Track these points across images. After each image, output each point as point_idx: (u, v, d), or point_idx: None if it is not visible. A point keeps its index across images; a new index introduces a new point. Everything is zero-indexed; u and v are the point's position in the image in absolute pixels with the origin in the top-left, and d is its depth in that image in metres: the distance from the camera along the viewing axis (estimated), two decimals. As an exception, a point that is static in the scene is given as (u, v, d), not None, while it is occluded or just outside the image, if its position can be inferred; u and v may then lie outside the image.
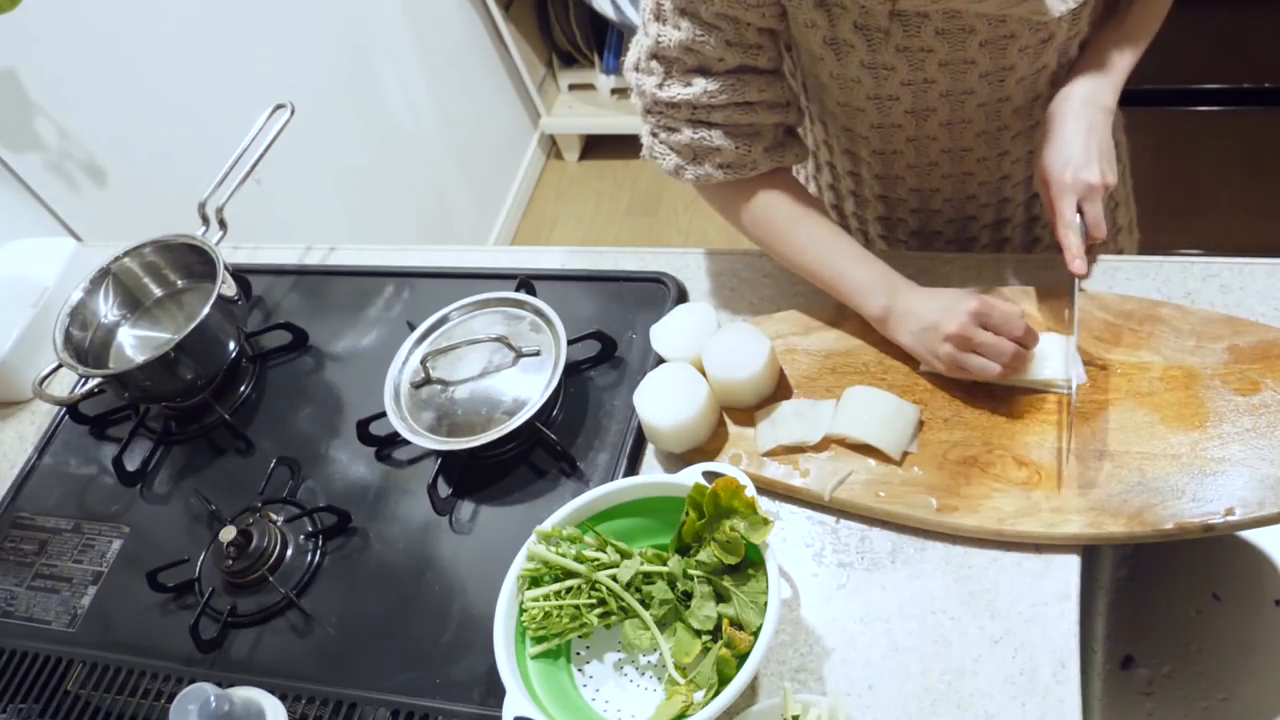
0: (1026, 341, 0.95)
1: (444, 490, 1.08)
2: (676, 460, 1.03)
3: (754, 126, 1.00)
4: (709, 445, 1.02)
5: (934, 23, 0.93)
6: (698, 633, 0.87)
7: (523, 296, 1.15)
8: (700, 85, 0.97)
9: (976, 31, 0.94)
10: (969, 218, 1.18)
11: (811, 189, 1.29)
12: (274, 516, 1.10)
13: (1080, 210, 0.95)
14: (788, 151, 1.04)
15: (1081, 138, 0.95)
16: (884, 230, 1.23)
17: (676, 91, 0.98)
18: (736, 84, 0.97)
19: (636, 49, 1.00)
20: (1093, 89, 0.98)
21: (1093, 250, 1.00)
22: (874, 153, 1.11)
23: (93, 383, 1.25)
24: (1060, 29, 0.96)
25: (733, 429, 1.02)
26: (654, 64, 0.98)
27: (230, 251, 1.42)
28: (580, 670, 0.91)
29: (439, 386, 1.11)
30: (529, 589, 0.89)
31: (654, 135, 1.03)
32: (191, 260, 1.27)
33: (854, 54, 0.97)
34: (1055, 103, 0.99)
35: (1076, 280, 0.96)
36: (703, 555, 0.87)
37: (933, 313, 0.96)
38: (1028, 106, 1.05)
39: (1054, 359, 0.97)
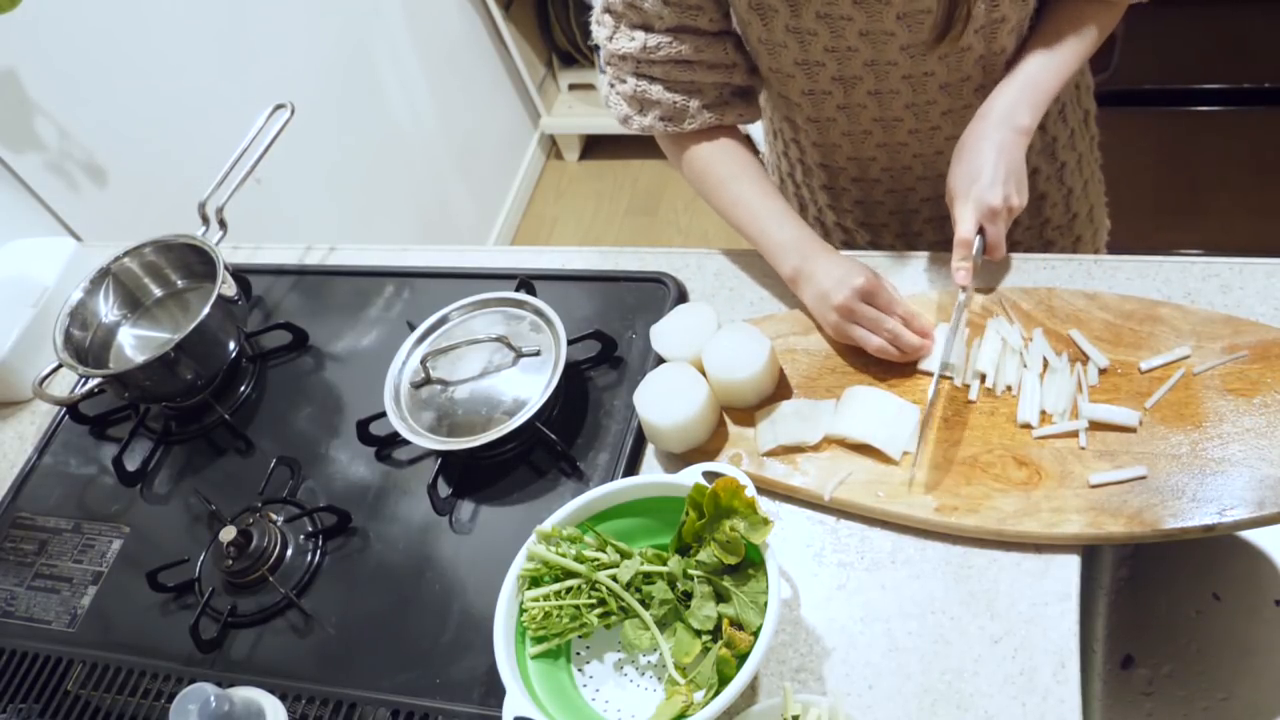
0: (910, 324, 0.99)
1: (444, 490, 1.08)
2: (676, 460, 1.03)
3: (694, 84, 1.06)
4: (709, 445, 1.02)
5: None
6: (698, 633, 0.87)
7: (523, 296, 1.15)
8: (641, 39, 1.03)
9: (892, 4, 0.97)
10: (908, 189, 1.20)
11: (769, 159, 1.34)
12: (274, 516, 1.10)
13: (983, 230, 0.97)
14: (729, 111, 1.09)
15: (991, 158, 0.97)
16: (830, 200, 1.26)
17: (622, 45, 1.05)
18: (675, 41, 1.03)
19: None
20: (1010, 109, 0.99)
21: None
22: (808, 120, 1.14)
23: (93, 383, 1.25)
24: (978, 7, 0.97)
25: (733, 429, 1.02)
26: (606, 17, 1.06)
27: (230, 251, 1.42)
28: (580, 670, 0.91)
29: (439, 386, 1.11)
30: (529, 589, 0.89)
31: (610, 86, 1.11)
32: (191, 260, 1.27)
33: (778, 18, 1.00)
34: (972, 121, 1.01)
35: (963, 291, 0.97)
36: (703, 555, 0.87)
37: (827, 281, 1.01)
38: (956, 85, 1.06)
39: (938, 351, 0.99)
